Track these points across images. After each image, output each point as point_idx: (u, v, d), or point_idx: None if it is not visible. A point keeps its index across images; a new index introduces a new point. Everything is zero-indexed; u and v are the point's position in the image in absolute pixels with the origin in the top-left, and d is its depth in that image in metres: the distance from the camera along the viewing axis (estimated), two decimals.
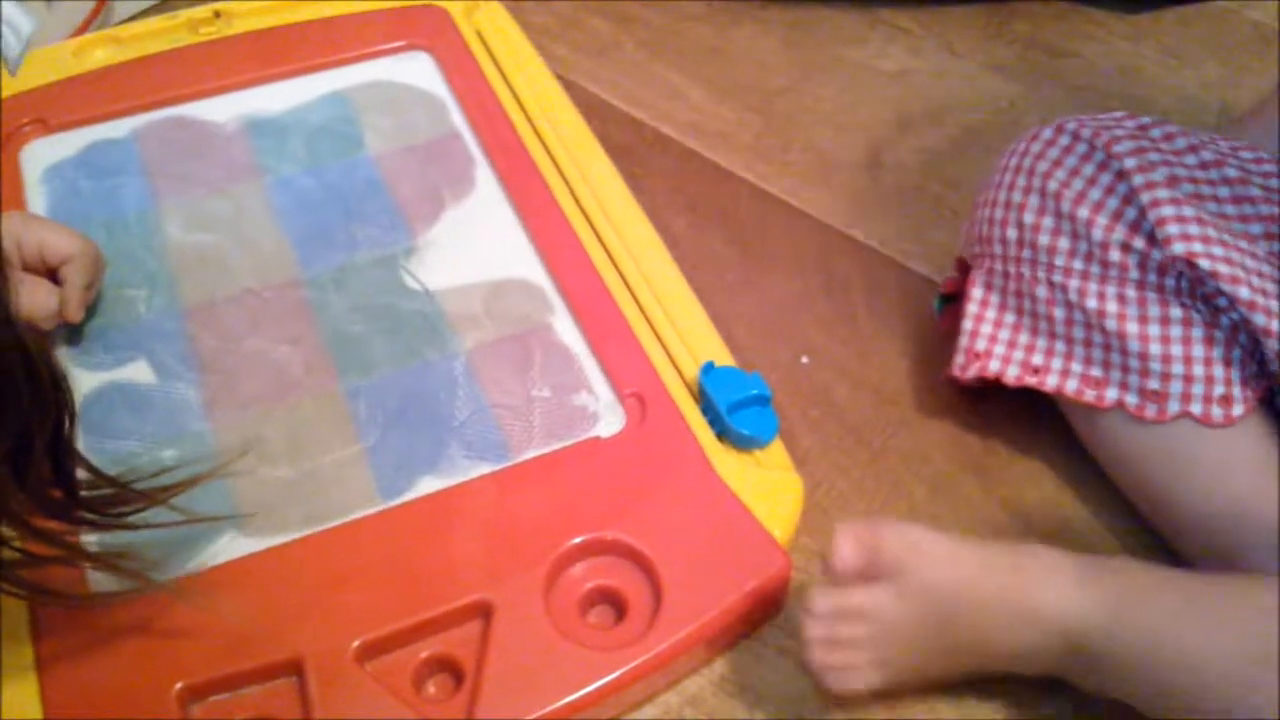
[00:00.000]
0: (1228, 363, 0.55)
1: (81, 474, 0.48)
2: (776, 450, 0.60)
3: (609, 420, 0.61)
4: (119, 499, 0.50)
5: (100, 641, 0.52)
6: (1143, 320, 0.57)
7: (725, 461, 0.59)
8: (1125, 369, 0.57)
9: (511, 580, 0.54)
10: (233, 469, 0.56)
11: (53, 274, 0.64)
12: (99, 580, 0.54)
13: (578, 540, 0.56)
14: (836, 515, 0.62)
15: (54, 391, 0.45)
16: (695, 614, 0.54)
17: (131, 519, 0.50)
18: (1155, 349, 0.56)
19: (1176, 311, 0.56)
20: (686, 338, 0.65)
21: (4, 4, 0.50)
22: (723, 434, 0.60)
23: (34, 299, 0.62)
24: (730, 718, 0.54)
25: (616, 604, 0.55)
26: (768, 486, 0.58)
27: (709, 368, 0.62)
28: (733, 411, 0.60)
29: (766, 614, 0.57)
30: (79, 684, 0.51)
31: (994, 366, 0.61)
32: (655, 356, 0.63)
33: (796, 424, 0.65)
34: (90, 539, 0.53)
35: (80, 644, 0.52)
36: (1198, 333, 0.56)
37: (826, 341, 0.70)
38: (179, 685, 0.51)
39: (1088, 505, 0.61)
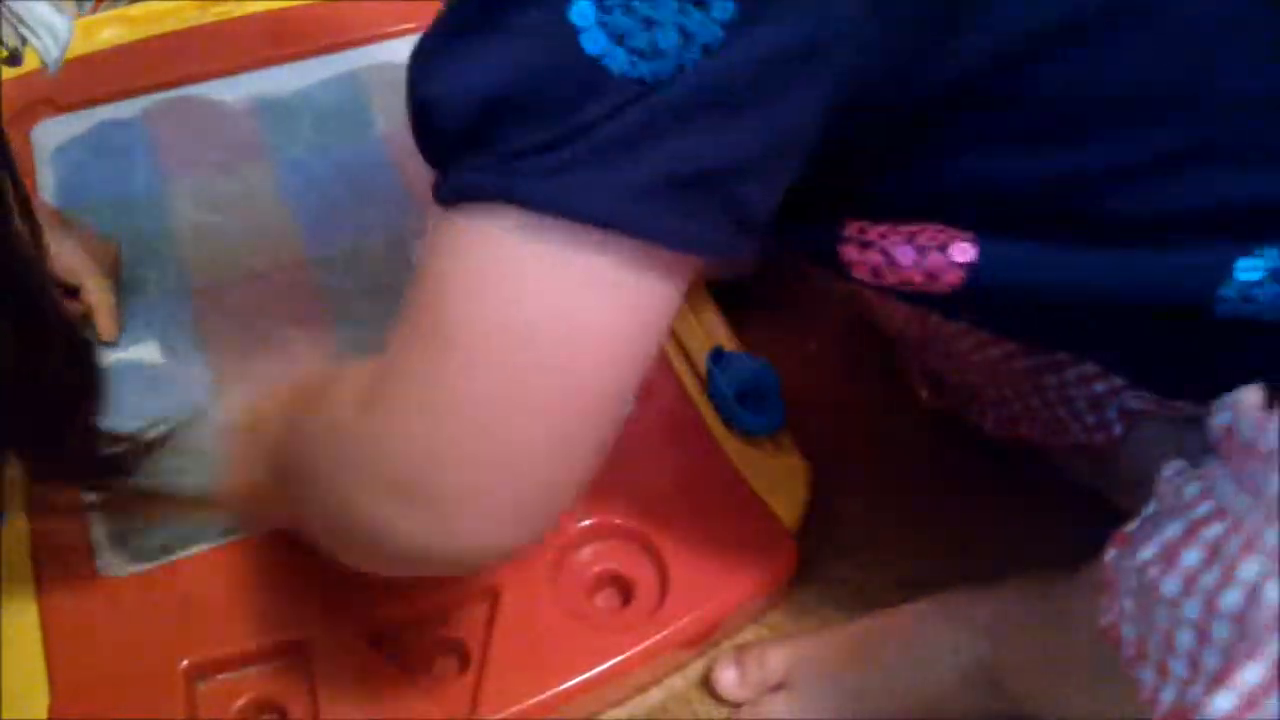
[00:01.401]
0: None
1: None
2: (784, 436, 0.60)
3: None
4: (123, 458, 0.50)
5: (107, 618, 0.53)
6: None
7: (733, 447, 0.59)
8: None
9: (518, 563, 0.54)
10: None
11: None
12: (107, 560, 0.54)
13: (585, 524, 0.56)
14: (843, 502, 0.62)
15: (90, 376, 0.45)
16: (702, 598, 0.54)
17: (129, 477, 0.51)
18: None
19: None
20: (695, 323, 0.64)
21: (40, 5, 0.51)
22: (730, 420, 0.60)
23: None
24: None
25: (623, 588, 0.55)
26: (775, 473, 0.58)
27: (718, 354, 0.62)
28: (741, 398, 0.60)
29: (773, 599, 0.57)
30: (86, 660, 0.51)
31: None
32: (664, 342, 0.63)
33: (804, 411, 0.65)
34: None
35: (87, 620, 0.53)
36: None
37: (835, 329, 0.70)
38: (185, 662, 0.51)
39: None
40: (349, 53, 0.81)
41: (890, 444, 0.64)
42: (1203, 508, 0.35)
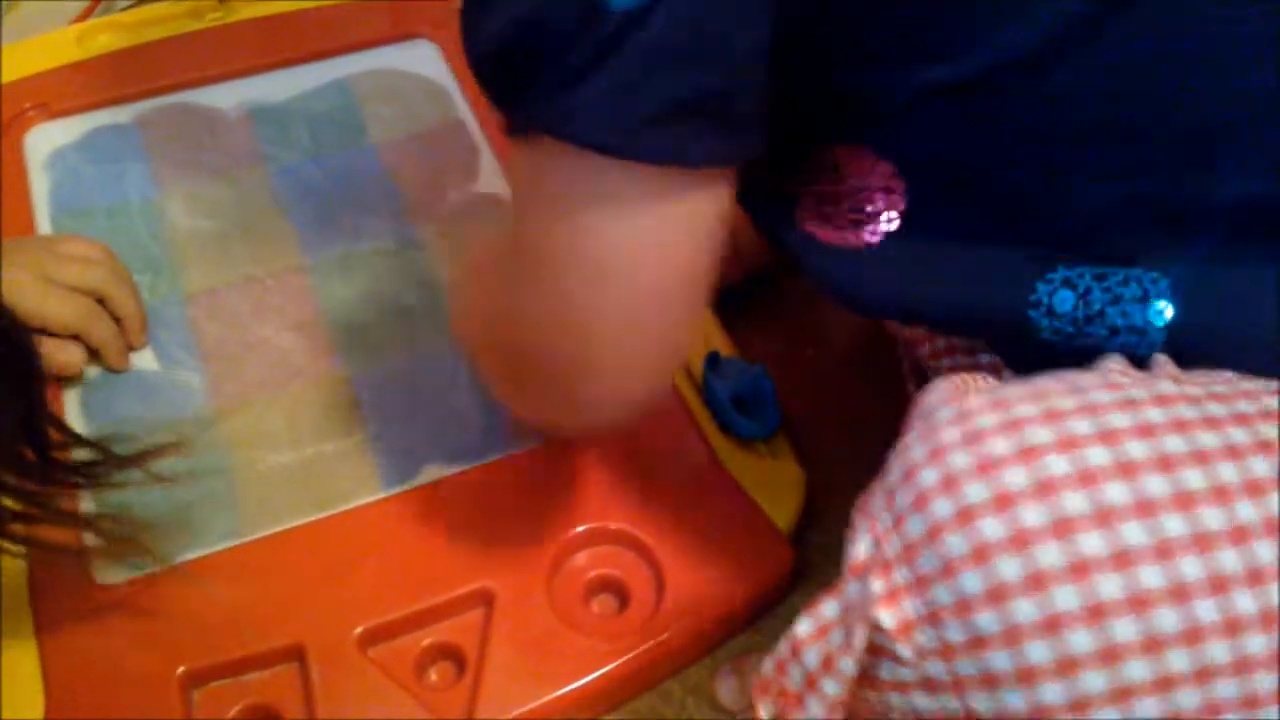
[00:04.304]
0: None
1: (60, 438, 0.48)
2: (780, 441, 0.60)
3: None
4: (97, 462, 0.50)
5: (102, 626, 0.53)
6: None
7: (728, 452, 0.59)
8: None
9: (514, 568, 0.54)
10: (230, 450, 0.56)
11: None
12: (103, 568, 0.54)
13: (580, 529, 0.56)
14: (839, 507, 0.61)
15: (22, 354, 0.45)
16: (698, 603, 0.54)
17: (109, 479, 0.50)
18: None
19: None
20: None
21: None
22: (726, 425, 0.60)
23: (65, 357, 0.61)
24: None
25: (619, 593, 0.55)
26: (771, 477, 0.58)
27: (713, 358, 0.62)
28: (736, 403, 0.60)
29: (768, 604, 0.57)
30: (81, 668, 0.51)
31: None
32: None
33: (800, 416, 0.65)
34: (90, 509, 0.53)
35: (82, 629, 0.52)
36: None
37: (832, 333, 0.70)
38: (180, 670, 0.51)
39: None
40: (343, 59, 0.81)
41: (887, 449, 0.64)
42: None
